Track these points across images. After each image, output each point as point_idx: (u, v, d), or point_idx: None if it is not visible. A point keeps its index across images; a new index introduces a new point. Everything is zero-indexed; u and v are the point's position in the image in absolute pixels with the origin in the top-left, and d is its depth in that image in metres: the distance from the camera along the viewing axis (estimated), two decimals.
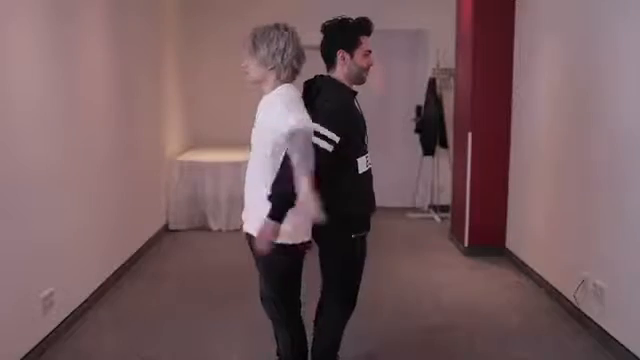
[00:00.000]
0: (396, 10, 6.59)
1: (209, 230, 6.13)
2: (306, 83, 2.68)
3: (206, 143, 7.05)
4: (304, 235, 2.51)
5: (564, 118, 4.11)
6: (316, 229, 2.56)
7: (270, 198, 2.37)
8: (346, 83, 2.67)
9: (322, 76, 2.69)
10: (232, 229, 6.05)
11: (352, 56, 2.64)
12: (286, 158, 2.36)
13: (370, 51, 2.67)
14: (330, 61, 2.68)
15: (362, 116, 2.71)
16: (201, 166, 6.19)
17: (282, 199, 2.35)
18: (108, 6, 4.44)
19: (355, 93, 2.71)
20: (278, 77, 2.45)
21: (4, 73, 2.94)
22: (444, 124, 6.73)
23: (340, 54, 2.64)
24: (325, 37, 2.68)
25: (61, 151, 3.57)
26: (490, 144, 5.14)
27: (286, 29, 2.46)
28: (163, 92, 6.04)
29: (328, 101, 2.54)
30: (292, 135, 2.28)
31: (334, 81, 2.66)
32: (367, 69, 2.69)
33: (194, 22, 6.92)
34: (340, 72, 2.66)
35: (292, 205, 2.34)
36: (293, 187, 2.30)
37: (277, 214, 2.36)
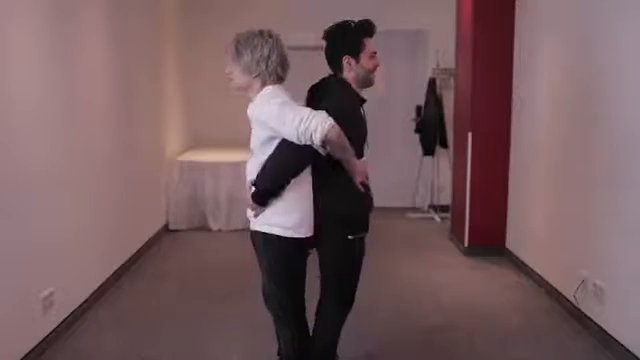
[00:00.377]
0: (396, 10, 6.59)
1: (209, 230, 6.13)
2: (314, 86, 2.67)
3: (206, 143, 7.05)
4: (307, 231, 2.53)
5: (564, 118, 4.11)
6: (314, 230, 2.56)
7: (254, 184, 2.47)
8: (355, 88, 2.65)
9: (334, 76, 2.67)
10: (232, 229, 6.06)
11: (358, 60, 2.62)
12: (273, 153, 2.40)
13: (375, 52, 2.66)
14: (336, 67, 2.66)
15: (366, 124, 2.70)
16: (201, 166, 6.19)
17: (264, 189, 2.45)
18: (108, 6, 4.44)
19: (364, 101, 2.69)
20: (264, 84, 2.45)
21: (4, 73, 2.94)
22: (444, 124, 6.73)
23: (346, 60, 2.61)
24: (328, 43, 2.66)
25: (61, 151, 3.57)
26: (490, 144, 5.14)
27: (270, 36, 2.44)
28: (163, 92, 6.04)
29: (335, 103, 2.52)
30: (325, 141, 2.32)
31: (345, 82, 2.63)
32: (374, 70, 2.68)
33: (194, 22, 6.92)
34: (347, 77, 2.64)
35: (275, 195, 2.44)
36: (273, 183, 2.42)
37: (259, 199, 2.46)
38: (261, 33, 2.44)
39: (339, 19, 2.67)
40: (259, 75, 2.43)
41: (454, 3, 5.64)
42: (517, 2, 4.96)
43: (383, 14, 6.27)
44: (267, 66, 2.41)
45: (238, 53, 2.43)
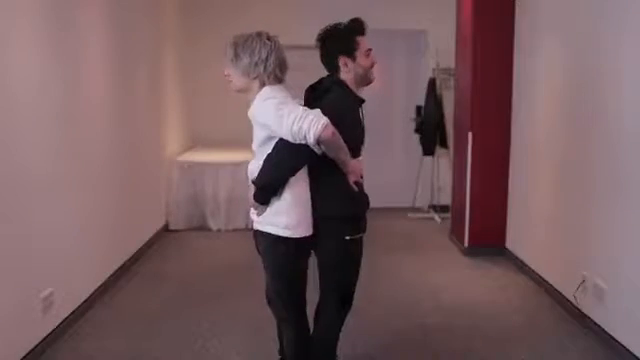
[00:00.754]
0: (396, 10, 6.60)
1: (209, 230, 6.13)
2: (311, 86, 2.67)
3: (206, 143, 7.05)
4: (306, 230, 2.53)
5: (564, 118, 4.11)
6: (313, 230, 2.56)
7: (254, 182, 2.48)
8: (354, 88, 2.64)
9: (330, 76, 2.67)
10: (231, 229, 6.05)
11: (354, 59, 2.61)
12: (271, 152, 2.41)
13: (370, 49, 2.66)
14: (333, 69, 2.65)
15: (363, 126, 2.69)
16: (201, 166, 6.19)
17: (262, 187, 2.46)
18: (108, 5, 4.43)
19: (362, 101, 2.68)
20: (262, 85, 2.45)
21: (4, 73, 2.94)
22: (444, 124, 6.73)
23: (342, 61, 2.60)
24: (322, 47, 2.65)
25: (61, 151, 3.57)
26: (490, 144, 5.14)
27: (268, 38, 2.44)
28: (163, 92, 6.04)
29: (331, 102, 2.51)
30: (319, 140, 2.31)
31: (342, 83, 2.63)
32: (371, 67, 2.67)
33: (194, 22, 6.92)
34: (346, 78, 2.63)
35: (274, 193, 2.46)
36: (270, 181, 2.43)
37: (259, 198, 2.47)
38: (259, 35, 2.44)
39: (338, 19, 2.67)
40: (257, 77, 2.43)
41: (454, 3, 5.64)
42: (517, 2, 4.96)
43: (383, 14, 6.31)
44: (265, 68, 2.42)
45: (236, 56, 2.43)
